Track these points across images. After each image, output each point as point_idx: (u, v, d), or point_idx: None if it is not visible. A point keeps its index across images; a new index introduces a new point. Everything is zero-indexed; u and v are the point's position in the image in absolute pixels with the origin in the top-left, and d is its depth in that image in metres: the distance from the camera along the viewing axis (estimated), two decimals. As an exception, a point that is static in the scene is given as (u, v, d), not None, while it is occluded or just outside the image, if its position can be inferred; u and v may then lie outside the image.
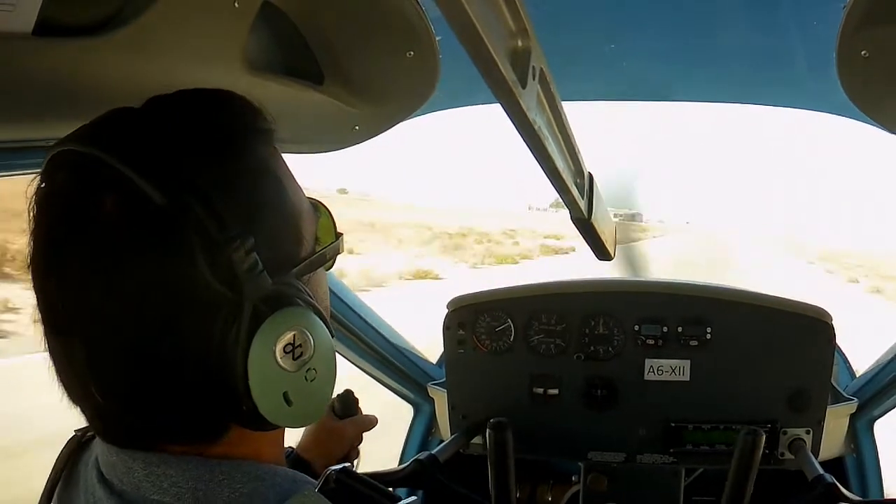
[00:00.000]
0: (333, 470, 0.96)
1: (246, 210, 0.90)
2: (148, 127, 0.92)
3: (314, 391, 0.94)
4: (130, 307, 0.85)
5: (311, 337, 0.92)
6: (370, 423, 1.93)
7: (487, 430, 2.19)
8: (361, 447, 1.94)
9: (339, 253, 1.11)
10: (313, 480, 0.99)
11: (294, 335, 0.90)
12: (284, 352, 0.89)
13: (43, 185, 0.90)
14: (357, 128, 1.70)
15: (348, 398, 1.91)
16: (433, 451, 2.29)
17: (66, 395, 0.93)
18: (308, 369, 0.92)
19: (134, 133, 0.91)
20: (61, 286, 0.87)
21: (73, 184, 0.88)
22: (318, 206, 1.09)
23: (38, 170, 0.91)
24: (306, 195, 1.06)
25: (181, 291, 0.85)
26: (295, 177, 1.04)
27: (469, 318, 2.68)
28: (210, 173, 0.88)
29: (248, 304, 0.86)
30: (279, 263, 0.93)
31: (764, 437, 2.03)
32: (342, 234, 1.13)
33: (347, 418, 1.89)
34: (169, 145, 0.89)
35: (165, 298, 0.85)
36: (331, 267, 1.13)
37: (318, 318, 0.95)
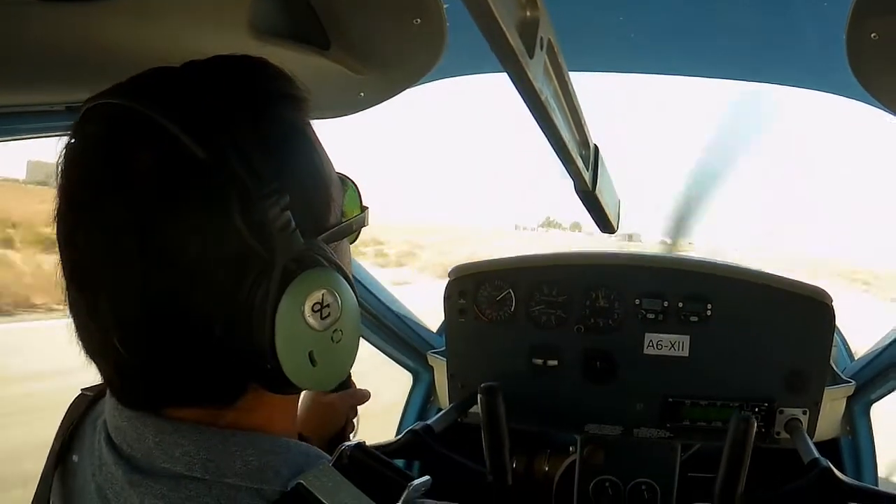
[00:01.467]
0: (348, 446, 0.97)
1: (282, 170, 0.90)
2: (186, 84, 0.93)
3: (339, 352, 0.95)
4: (163, 259, 0.85)
5: (339, 298, 0.93)
6: (363, 396, 1.92)
7: (479, 395, 2.21)
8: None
9: (364, 226, 1.12)
10: (326, 455, 0.99)
11: (323, 294, 0.91)
12: (313, 310, 0.90)
13: (74, 140, 0.90)
14: (363, 94, 1.70)
15: None
16: (429, 422, 2.31)
17: (84, 350, 0.94)
18: (335, 330, 0.93)
19: (173, 89, 0.91)
20: (92, 238, 0.87)
21: (109, 136, 0.88)
22: (344, 180, 1.10)
23: (41, 135, 0.91)
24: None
25: (215, 245, 0.85)
26: (325, 147, 1.04)
27: (470, 287, 2.68)
28: (248, 131, 0.89)
29: (279, 262, 0.87)
30: (310, 226, 0.93)
31: (755, 423, 2.04)
32: (367, 207, 1.13)
33: (341, 391, 1.89)
34: (208, 102, 0.89)
35: (199, 251, 0.85)
36: (354, 240, 1.14)
37: (345, 281, 0.95)
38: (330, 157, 1.04)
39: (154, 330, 0.88)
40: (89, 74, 0.94)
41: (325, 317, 0.91)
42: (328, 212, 1.00)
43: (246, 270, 0.87)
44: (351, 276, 1.01)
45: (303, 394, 1.70)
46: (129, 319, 0.87)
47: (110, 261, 0.86)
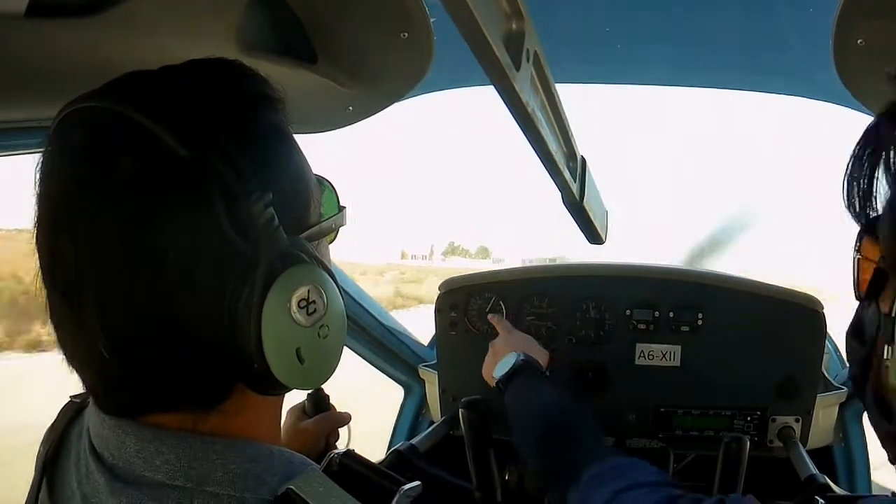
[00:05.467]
0: (337, 453, 0.96)
1: (263, 167, 0.90)
2: (165, 85, 0.92)
3: (326, 349, 0.95)
4: (149, 260, 0.84)
5: (324, 294, 0.93)
6: (343, 419, 1.90)
7: (460, 410, 2.20)
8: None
9: (342, 225, 1.12)
10: (310, 461, 0.99)
11: (308, 290, 0.91)
12: (299, 307, 0.90)
13: (52, 147, 0.90)
14: (350, 108, 1.70)
15: (319, 396, 1.88)
16: (413, 441, 2.32)
17: (68, 356, 0.93)
18: (321, 325, 0.93)
19: (152, 90, 0.91)
20: (75, 241, 0.86)
21: (90, 138, 0.87)
22: (321, 180, 1.10)
23: (31, 150, 0.91)
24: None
25: (200, 243, 0.85)
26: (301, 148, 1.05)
27: (461, 300, 2.68)
28: (228, 130, 0.89)
29: (264, 259, 0.87)
30: (292, 224, 0.94)
31: (747, 442, 2.03)
32: (345, 207, 1.13)
33: (318, 416, 1.88)
34: (187, 101, 0.89)
35: (184, 251, 0.84)
36: (333, 240, 1.14)
37: (329, 278, 0.95)
38: (306, 157, 1.05)
39: (140, 334, 0.87)
40: (77, 90, 0.93)
41: (312, 313, 0.92)
42: (309, 210, 1.00)
43: (231, 268, 0.86)
44: (334, 274, 1.01)
45: (282, 422, 1.69)
46: (115, 324, 0.86)
47: (95, 265, 0.85)
